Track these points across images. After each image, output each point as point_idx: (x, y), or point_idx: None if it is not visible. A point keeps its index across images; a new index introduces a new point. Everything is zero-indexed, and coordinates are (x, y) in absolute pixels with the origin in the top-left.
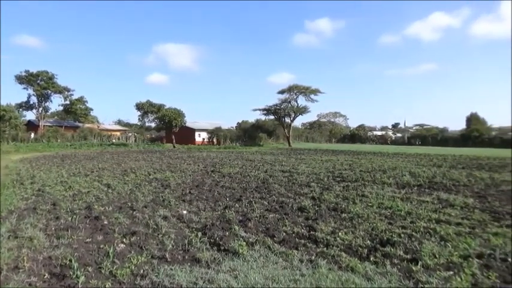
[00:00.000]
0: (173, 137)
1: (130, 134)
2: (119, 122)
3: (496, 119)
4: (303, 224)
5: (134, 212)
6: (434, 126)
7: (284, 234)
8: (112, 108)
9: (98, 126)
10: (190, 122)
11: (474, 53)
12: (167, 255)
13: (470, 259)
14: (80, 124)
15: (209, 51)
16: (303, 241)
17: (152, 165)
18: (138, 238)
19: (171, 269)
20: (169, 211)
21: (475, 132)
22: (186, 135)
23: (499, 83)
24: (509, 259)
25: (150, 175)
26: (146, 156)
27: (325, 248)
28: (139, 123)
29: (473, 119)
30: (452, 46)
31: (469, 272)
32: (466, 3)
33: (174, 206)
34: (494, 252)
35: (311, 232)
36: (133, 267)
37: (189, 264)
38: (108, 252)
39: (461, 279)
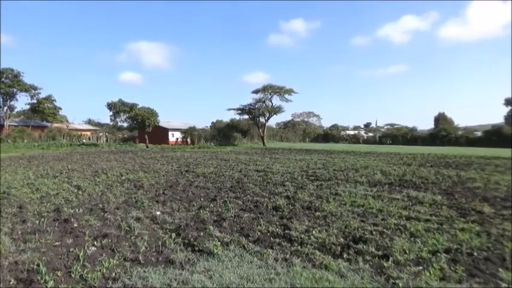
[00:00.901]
0: (146, 136)
1: (101, 133)
2: (90, 122)
3: (462, 118)
4: (277, 223)
5: (106, 214)
6: (404, 126)
7: (259, 233)
8: (82, 108)
9: (67, 126)
10: (163, 121)
11: (442, 55)
12: (140, 257)
13: (439, 254)
14: (48, 124)
15: (183, 50)
16: (277, 240)
17: (124, 165)
18: (110, 240)
19: (145, 271)
20: (142, 212)
21: (443, 132)
22: (160, 135)
23: (464, 84)
24: (475, 253)
25: (122, 176)
26: (118, 157)
27: (299, 247)
28: (111, 123)
29: (440, 119)
30: (421, 48)
31: (438, 267)
32: (434, 7)
33: (148, 207)
34: (460, 247)
35: (286, 231)
36: (104, 271)
37: (162, 265)
38: (79, 256)
39: (430, 273)
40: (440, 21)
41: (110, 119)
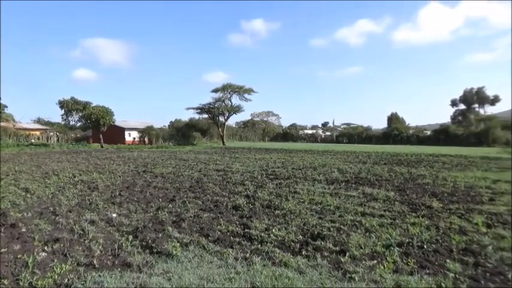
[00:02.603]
0: (101, 136)
1: (52, 133)
2: (39, 121)
3: (413, 118)
4: (237, 222)
5: (57, 218)
6: (360, 125)
7: (219, 233)
8: (31, 106)
9: (14, 125)
10: (119, 120)
11: (394, 58)
12: (95, 262)
13: (392, 248)
14: None
15: (142, 48)
16: (237, 239)
17: (77, 166)
18: (62, 245)
19: (100, 276)
20: (97, 215)
21: (395, 131)
22: (115, 134)
23: (415, 85)
24: (425, 246)
25: (75, 177)
26: (71, 157)
27: (259, 245)
28: (62, 122)
29: (393, 119)
30: (376, 51)
31: (391, 260)
32: (388, 12)
33: (103, 209)
34: (412, 241)
35: (246, 230)
36: (56, 277)
37: (119, 269)
38: (27, 262)
39: (384, 267)
40: (393, 25)
41: (62, 118)
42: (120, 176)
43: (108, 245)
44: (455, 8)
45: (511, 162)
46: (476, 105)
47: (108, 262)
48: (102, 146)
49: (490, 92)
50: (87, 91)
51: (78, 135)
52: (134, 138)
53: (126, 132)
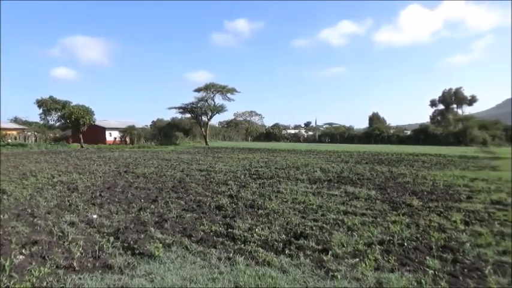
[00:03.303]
0: (81, 136)
1: (29, 133)
2: (16, 120)
3: (394, 118)
4: (220, 222)
5: (35, 220)
6: (342, 125)
7: (202, 233)
8: (7, 105)
9: None
10: (100, 120)
11: (376, 59)
12: (75, 264)
13: (373, 246)
14: None
15: (123, 47)
16: (220, 239)
17: (56, 167)
18: (41, 247)
19: (80, 278)
20: (77, 216)
21: (377, 131)
22: (96, 134)
23: (396, 86)
24: (405, 244)
25: (54, 178)
26: (49, 158)
27: (242, 245)
28: (41, 122)
29: (374, 119)
30: (358, 52)
31: (372, 258)
32: (369, 14)
33: (83, 210)
34: (393, 239)
35: (229, 230)
36: (34, 280)
37: (100, 271)
38: (4, 266)
39: (365, 264)
40: (375, 26)
41: (40, 117)
42: (100, 177)
43: (89, 247)
44: (435, 10)
45: (511, 161)
46: (454, 106)
47: (89, 264)
48: (82, 146)
49: (467, 93)
50: (67, 90)
51: (57, 135)
52: (115, 138)
53: (107, 132)
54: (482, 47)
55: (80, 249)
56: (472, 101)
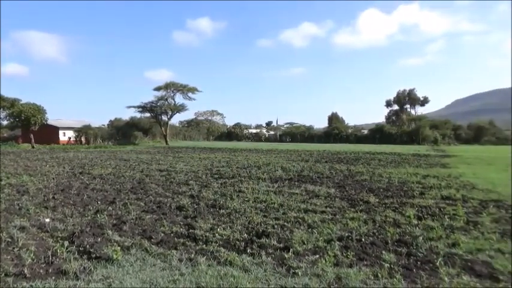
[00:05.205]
0: (31, 136)
1: None
2: None
3: (352, 118)
4: (182, 223)
5: None
6: (302, 125)
7: (162, 234)
8: None
9: None
10: (53, 119)
11: (335, 60)
12: (26, 271)
13: (333, 242)
14: None
15: (80, 43)
16: (182, 240)
17: (4, 168)
18: None
19: (31, 286)
20: (27, 220)
21: (336, 130)
22: (48, 134)
23: (354, 86)
24: (363, 239)
25: (1, 180)
26: None
27: (204, 245)
28: None
29: (334, 118)
30: (318, 53)
31: (332, 254)
32: (329, 16)
33: (34, 214)
34: (351, 235)
35: (190, 230)
36: None
37: (53, 277)
38: None
39: (325, 261)
40: (334, 29)
41: None
42: (53, 178)
43: (41, 253)
44: (391, 15)
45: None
46: (408, 106)
47: (41, 271)
48: (33, 147)
49: (420, 94)
50: (18, 87)
51: (5, 135)
52: (70, 138)
53: (61, 132)
54: (435, 50)
55: (32, 255)
56: (424, 101)
